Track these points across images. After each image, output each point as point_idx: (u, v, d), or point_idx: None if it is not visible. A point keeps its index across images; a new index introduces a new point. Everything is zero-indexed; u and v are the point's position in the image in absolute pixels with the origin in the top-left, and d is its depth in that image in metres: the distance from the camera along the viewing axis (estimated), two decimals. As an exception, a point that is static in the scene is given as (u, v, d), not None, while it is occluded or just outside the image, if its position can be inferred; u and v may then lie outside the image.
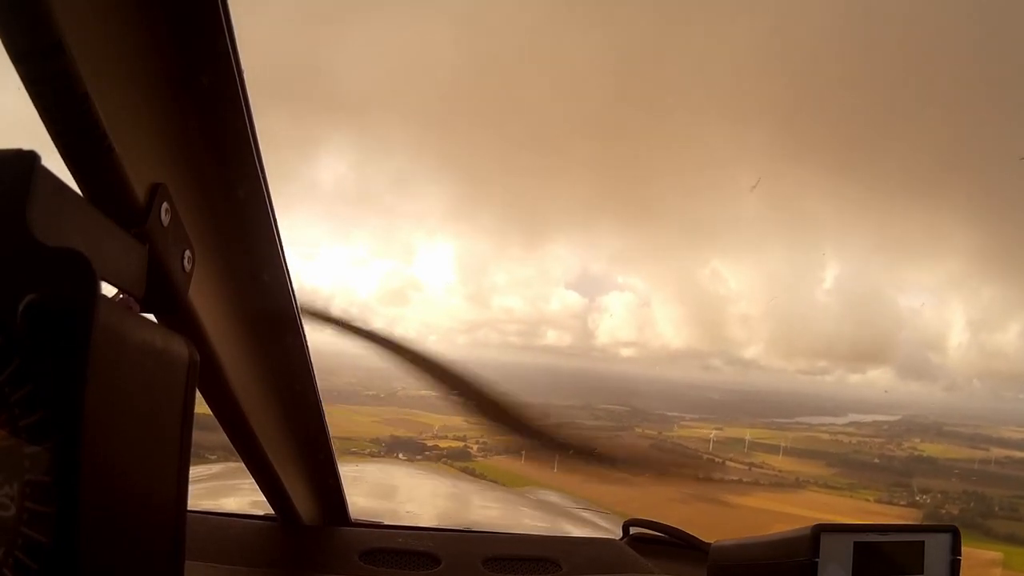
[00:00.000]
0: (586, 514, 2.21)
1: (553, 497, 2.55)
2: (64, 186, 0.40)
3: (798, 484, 26.46)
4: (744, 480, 26.57)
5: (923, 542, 1.16)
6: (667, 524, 1.54)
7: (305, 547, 1.29)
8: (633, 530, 1.57)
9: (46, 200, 0.37)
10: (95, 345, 0.35)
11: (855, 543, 1.12)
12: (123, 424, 0.39)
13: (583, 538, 1.57)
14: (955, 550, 1.17)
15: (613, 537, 1.56)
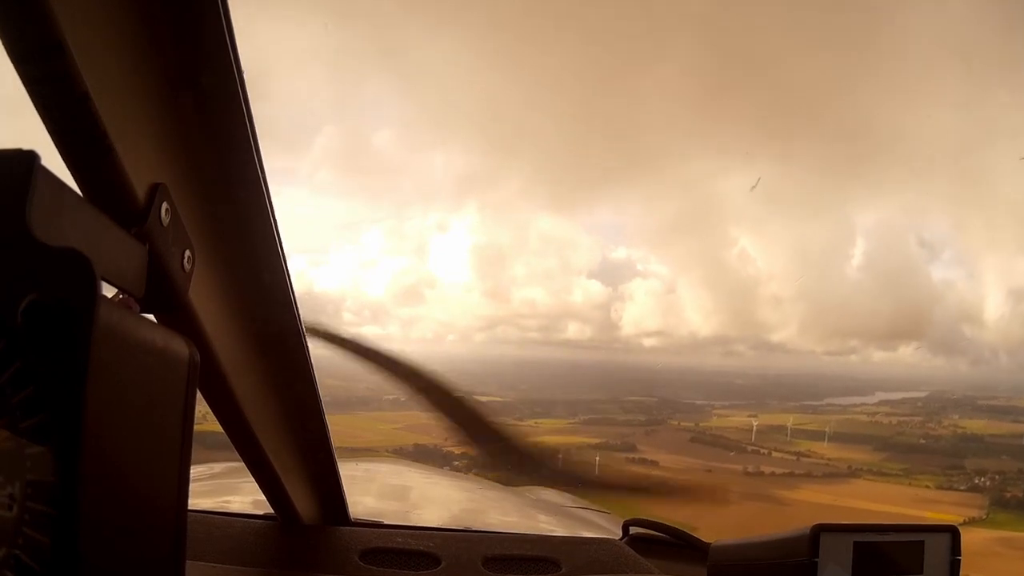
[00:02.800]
0: (586, 514, 2.21)
1: (553, 497, 2.55)
2: (64, 186, 0.40)
3: (851, 473, 25.30)
4: (796, 472, 25.45)
5: (923, 542, 1.16)
6: (667, 524, 1.54)
7: (305, 547, 1.29)
8: (633, 530, 1.57)
9: (46, 200, 0.37)
10: (95, 345, 0.35)
11: (855, 543, 1.12)
12: (124, 424, 0.39)
13: (583, 538, 1.57)
14: (955, 550, 1.17)
15: (613, 537, 1.56)
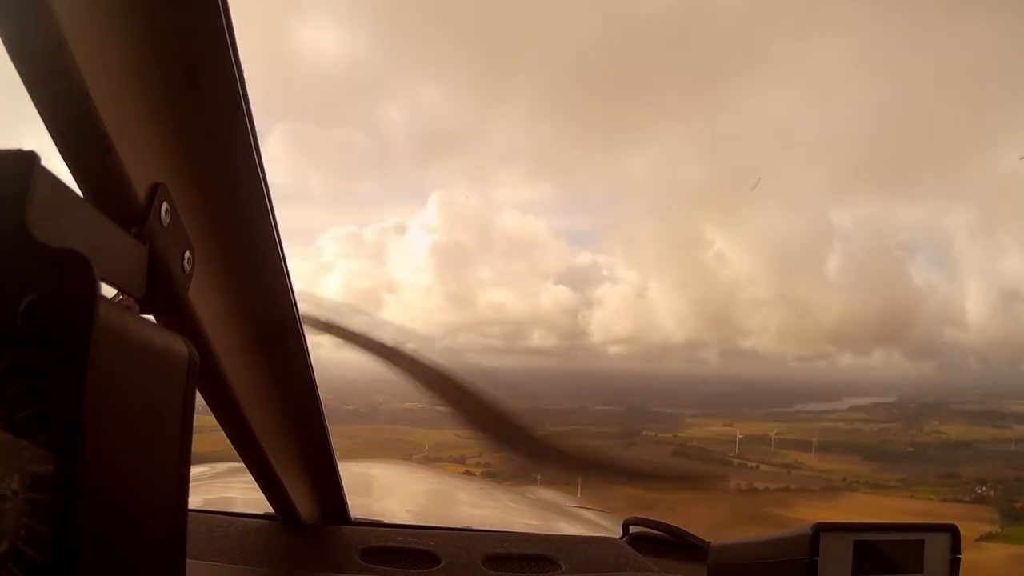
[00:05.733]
0: (586, 513, 2.21)
1: (552, 496, 2.56)
2: (64, 186, 0.40)
3: (848, 486, 24.89)
4: (792, 487, 24.90)
5: (923, 541, 1.16)
6: (667, 523, 1.54)
7: (305, 546, 1.29)
8: (633, 529, 1.57)
9: (46, 200, 0.37)
10: (95, 345, 0.35)
11: (855, 542, 1.12)
12: (123, 424, 0.39)
13: (583, 537, 1.57)
14: (955, 549, 1.18)
15: (613, 536, 1.56)
